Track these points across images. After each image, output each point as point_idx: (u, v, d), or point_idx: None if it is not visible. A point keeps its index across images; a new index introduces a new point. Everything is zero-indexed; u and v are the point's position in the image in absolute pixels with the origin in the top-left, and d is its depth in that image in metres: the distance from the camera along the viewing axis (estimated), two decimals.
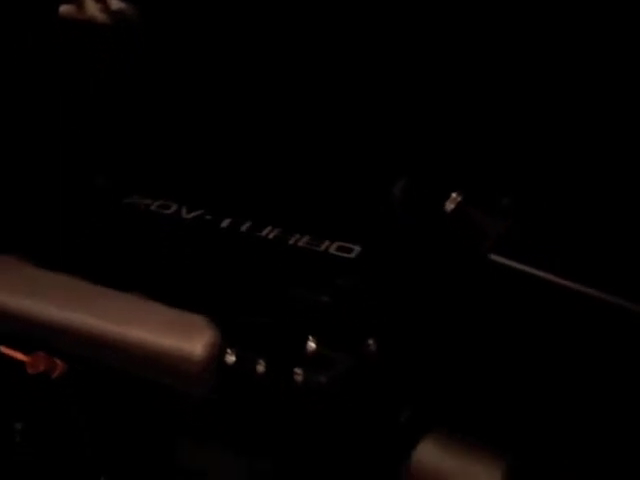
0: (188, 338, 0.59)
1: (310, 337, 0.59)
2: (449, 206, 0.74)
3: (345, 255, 0.67)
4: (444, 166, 0.76)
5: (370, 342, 0.60)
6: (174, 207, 0.72)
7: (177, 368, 0.59)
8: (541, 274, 0.67)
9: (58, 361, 0.64)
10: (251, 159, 0.75)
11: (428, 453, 0.55)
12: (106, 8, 0.79)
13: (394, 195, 0.75)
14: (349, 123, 0.76)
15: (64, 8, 0.80)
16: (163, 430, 0.67)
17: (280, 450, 0.59)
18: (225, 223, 0.70)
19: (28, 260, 0.67)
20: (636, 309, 0.62)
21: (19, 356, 0.63)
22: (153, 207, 0.71)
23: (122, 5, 0.80)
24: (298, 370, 0.57)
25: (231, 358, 0.59)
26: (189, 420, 0.66)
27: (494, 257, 0.68)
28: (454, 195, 0.73)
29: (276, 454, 0.59)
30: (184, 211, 0.71)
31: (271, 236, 0.69)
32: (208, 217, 0.70)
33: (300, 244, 0.68)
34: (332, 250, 0.67)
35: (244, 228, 0.69)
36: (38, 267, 0.63)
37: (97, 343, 0.60)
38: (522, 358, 0.59)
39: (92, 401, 0.66)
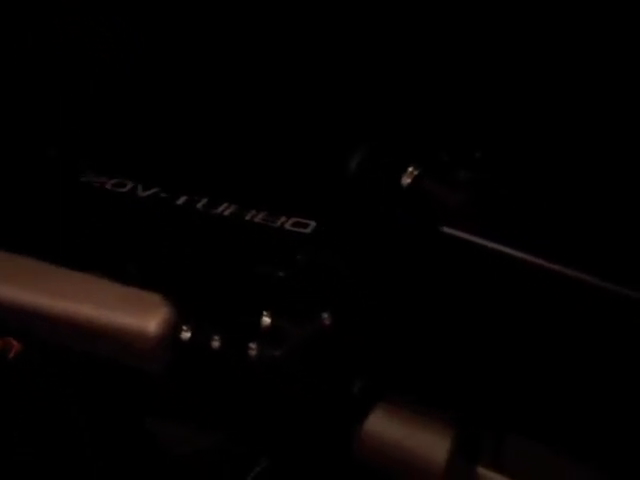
0: (142, 315, 0.58)
1: (265, 312, 0.59)
2: (405, 180, 0.74)
3: (301, 230, 0.67)
4: (402, 138, 0.76)
5: (325, 316, 0.60)
6: (130, 185, 0.71)
7: (132, 345, 0.58)
8: (494, 246, 0.67)
9: (14, 341, 0.63)
10: (206, 135, 0.74)
11: (378, 421, 0.56)
12: None
13: (350, 169, 0.75)
14: (305, 94, 0.75)
15: None
16: (123, 406, 0.66)
17: (237, 424, 0.59)
18: (181, 200, 0.69)
19: None
20: (596, 283, 0.63)
21: None
22: (108, 185, 0.71)
23: None
24: (252, 345, 0.57)
25: (186, 334, 0.58)
26: (149, 397, 0.65)
27: (447, 230, 0.69)
28: (411, 169, 0.73)
29: (233, 428, 0.59)
30: (139, 189, 0.71)
31: (227, 213, 0.68)
32: (163, 195, 0.70)
33: (256, 220, 0.67)
34: (288, 226, 0.67)
35: (200, 205, 0.69)
36: None
37: (51, 322, 0.59)
38: (473, 328, 0.59)
39: (50, 381, 0.66)
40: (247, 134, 0.73)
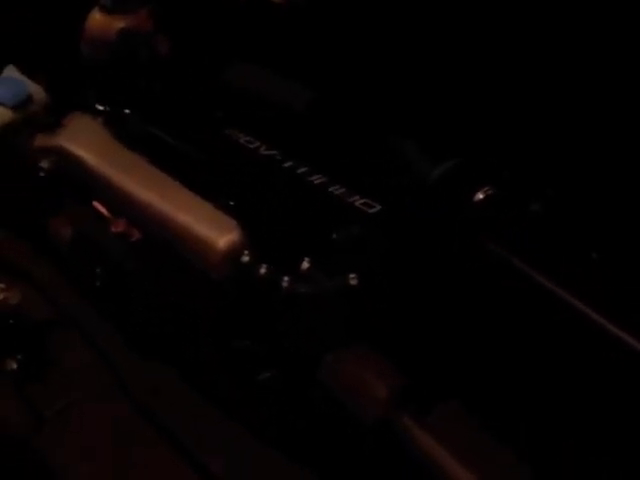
0: (219, 232, 0.72)
1: (307, 259, 0.71)
2: (478, 196, 0.81)
3: (365, 209, 0.77)
4: (486, 160, 0.83)
5: (353, 276, 0.71)
6: (257, 144, 0.85)
7: (205, 253, 0.72)
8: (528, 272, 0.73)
9: (135, 230, 0.79)
10: (324, 125, 0.86)
11: (343, 357, 0.66)
12: None
13: (431, 178, 0.83)
14: (410, 111, 0.85)
15: None
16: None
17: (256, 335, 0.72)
18: (287, 164, 0.82)
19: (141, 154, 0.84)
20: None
21: (106, 212, 0.79)
22: (242, 140, 0.85)
23: None
24: (286, 278, 0.69)
25: (245, 258, 0.72)
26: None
27: (492, 246, 0.76)
28: (486, 188, 0.80)
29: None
30: (262, 148, 0.85)
31: (317, 182, 0.80)
32: (278, 157, 0.83)
33: (336, 192, 0.79)
34: (358, 203, 0.78)
35: (300, 171, 0.81)
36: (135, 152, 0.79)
37: (157, 219, 0.75)
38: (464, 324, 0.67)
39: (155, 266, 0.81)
40: (356, 134, 0.84)
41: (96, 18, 0.94)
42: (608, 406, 0.65)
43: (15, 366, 0.77)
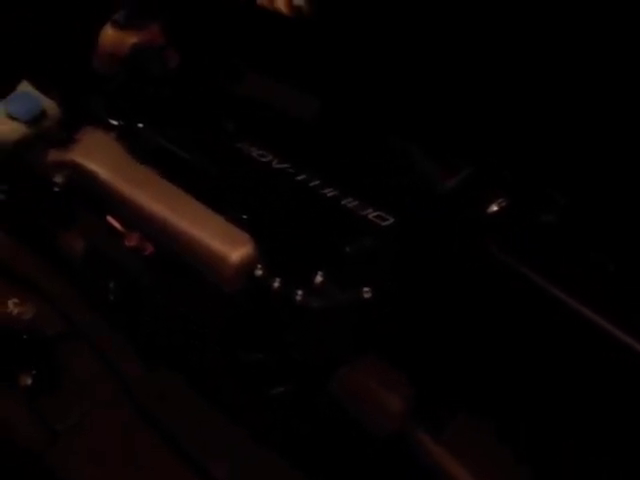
0: (232, 247, 0.72)
1: (320, 272, 0.70)
2: (492, 208, 0.80)
3: (379, 222, 0.77)
4: (499, 170, 0.82)
5: (366, 290, 0.70)
6: (269, 157, 0.85)
7: (218, 267, 0.72)
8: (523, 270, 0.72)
9: (149, 244, 0.78)
10: (337, 138, 0.86)
11: (357, 370, 0.65)
12: None
13: (444, 189, 0.83)
14: (420, 122, 0.84)
15: None
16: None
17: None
18: (300, 177, 0.82)
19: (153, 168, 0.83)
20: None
21: (119, 227, 0.79)
22: (254, 153, 0.85)
23: None
24: (300, 292, 0.69)
25: (259, 272, 0.71)
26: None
27: (495, 251, 0.75)
28: (500, 200, 0.79)
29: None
30: (275, 162, 0.84)
31: (330, 194, 0.80)
32: (290, 170, 0.83)
33: (349, 205, 0.78)
34: (371, 216, 0.77)
35: (313, 184, 0.81)
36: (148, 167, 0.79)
37: (171, 233, 0.75)
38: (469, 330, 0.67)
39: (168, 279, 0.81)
40: (369, 147, 0.84)
41: (109, 33, 0.94)
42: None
43: (30, 381, 0.77)
